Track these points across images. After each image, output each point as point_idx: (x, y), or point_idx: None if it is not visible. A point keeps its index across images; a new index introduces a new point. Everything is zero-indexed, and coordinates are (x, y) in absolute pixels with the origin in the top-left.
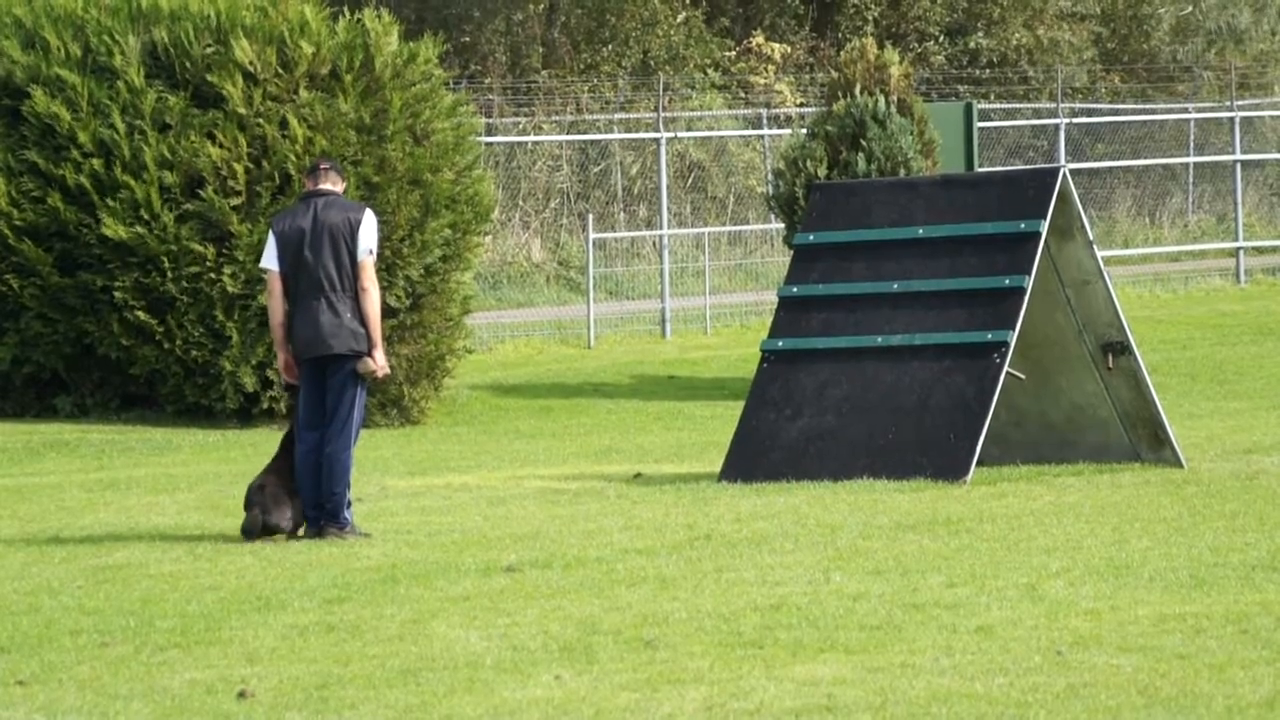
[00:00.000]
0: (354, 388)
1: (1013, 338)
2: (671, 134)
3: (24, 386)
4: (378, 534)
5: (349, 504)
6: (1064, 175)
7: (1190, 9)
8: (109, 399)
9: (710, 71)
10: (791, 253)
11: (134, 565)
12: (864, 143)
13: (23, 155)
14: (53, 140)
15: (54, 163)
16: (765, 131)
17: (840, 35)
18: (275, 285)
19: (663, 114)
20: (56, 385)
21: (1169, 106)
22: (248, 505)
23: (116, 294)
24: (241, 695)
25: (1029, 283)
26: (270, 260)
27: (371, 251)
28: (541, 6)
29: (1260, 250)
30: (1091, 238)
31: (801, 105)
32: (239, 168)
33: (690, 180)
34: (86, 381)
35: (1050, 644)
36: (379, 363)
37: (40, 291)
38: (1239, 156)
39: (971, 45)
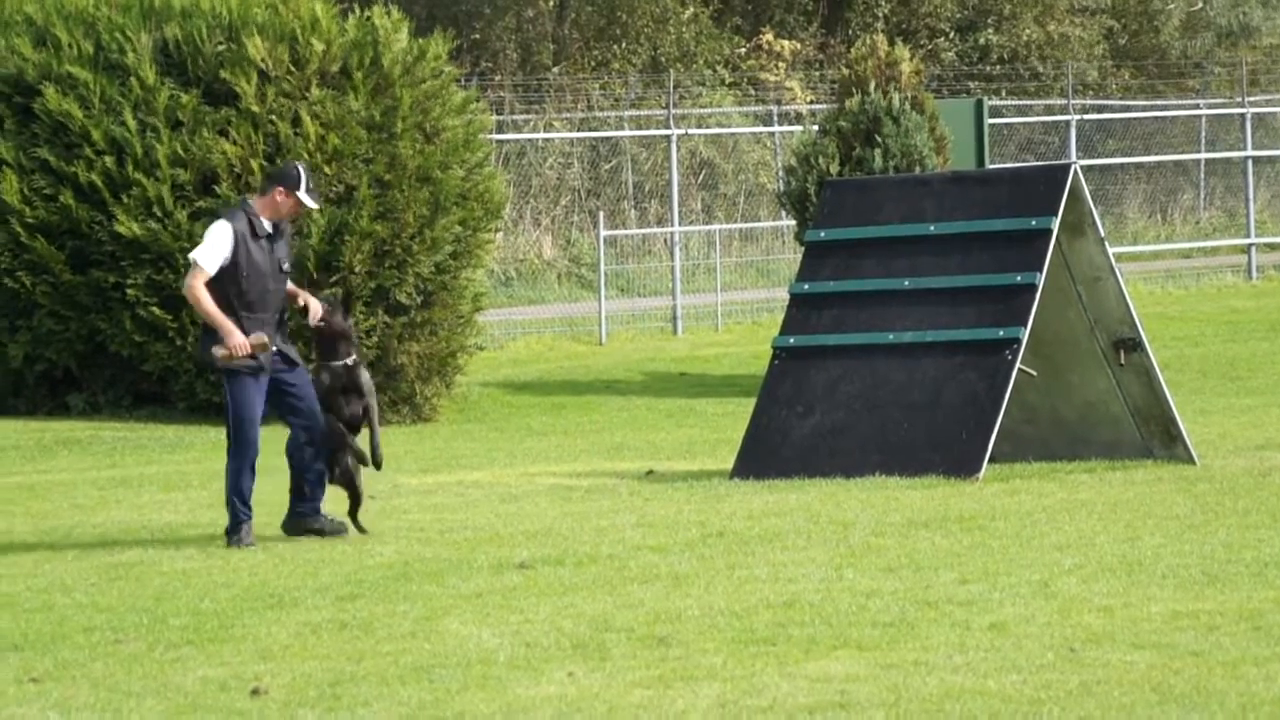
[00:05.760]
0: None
1: (1024, 334)
2: (682, 131)
3: (36, 384)
4: (390, 532)
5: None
6: (1075, 172)
7: (1200, 5)
8: (121, 396)
9: (720, 69)
10: (803, 249)
11: (147, 563)
12: (879, 139)
13: (34, 153)
14: (65, 138)
15: (66, 160)
16: (776, 128)
17: (850, 32)
18: None
19: (673, 111)
20: (69, 382)
21: (1180, 102)
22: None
23: (129, 291)
24: (255, 692)
25: (1040, 279)
26: None
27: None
28: (552, 4)
29: (1272, 246)
30: (1103, 234)
31: (811, 102)
32: (255, 164)
33: (701, 177)
34: (99, 379)
35: (1063, 641)
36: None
37: (52, 289)
38: (1250, 153)
39: (982, 41)
